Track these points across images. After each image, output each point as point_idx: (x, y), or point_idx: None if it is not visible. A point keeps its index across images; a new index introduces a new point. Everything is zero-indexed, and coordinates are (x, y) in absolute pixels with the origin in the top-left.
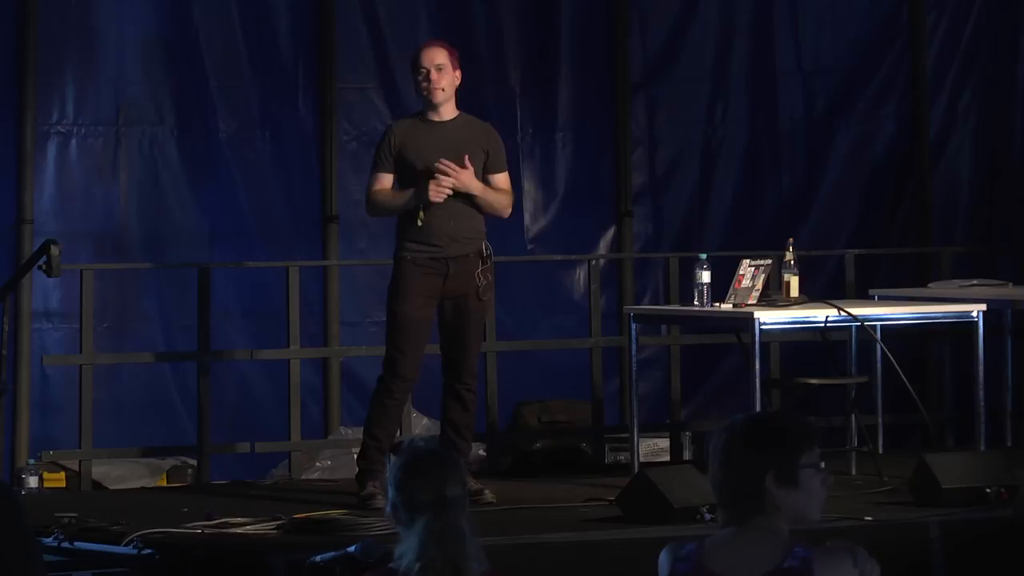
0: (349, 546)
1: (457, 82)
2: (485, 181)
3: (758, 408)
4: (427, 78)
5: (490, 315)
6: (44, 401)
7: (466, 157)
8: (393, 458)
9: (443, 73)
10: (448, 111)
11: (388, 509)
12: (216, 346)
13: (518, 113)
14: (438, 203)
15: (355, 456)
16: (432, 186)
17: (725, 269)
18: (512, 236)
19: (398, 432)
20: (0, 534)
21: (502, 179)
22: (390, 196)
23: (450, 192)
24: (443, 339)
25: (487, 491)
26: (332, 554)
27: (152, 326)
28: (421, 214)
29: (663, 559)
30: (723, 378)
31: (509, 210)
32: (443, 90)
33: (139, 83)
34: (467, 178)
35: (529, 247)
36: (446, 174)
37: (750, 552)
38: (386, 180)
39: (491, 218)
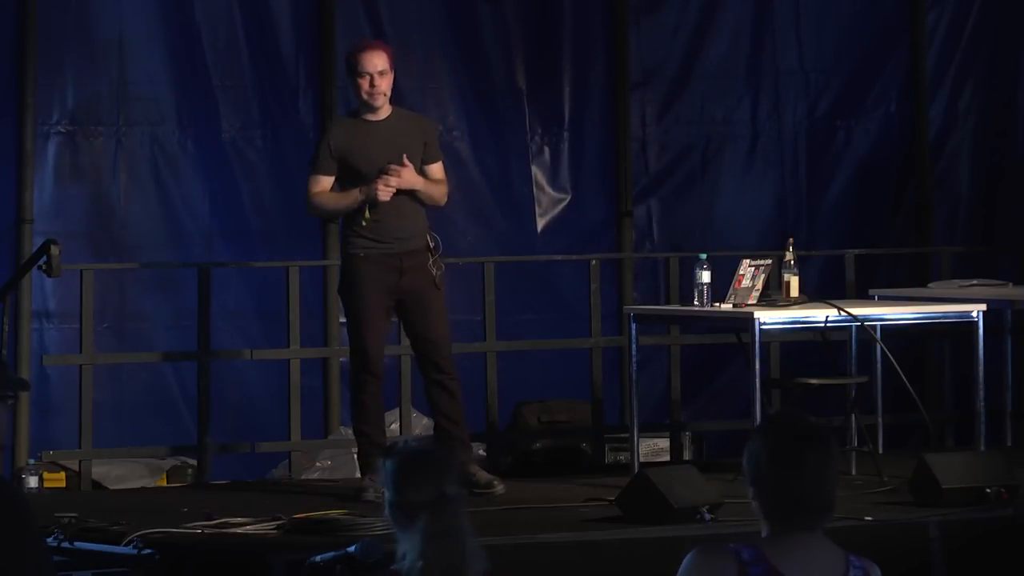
0: (349, 546)
1: (392, 82)
2: (422, 172)
3: (758, 408)
4: (371, 84)
5: (489, 314)
6: (44, 401)
7: (405, 156)
8: (387, 462)
9: (385, 77)
10: (384, 110)
11: (387, 511)
12: (216, 346)
13: (526, 113)
14: (384, 201)
15: (356, 456)
16: (380, 186)
17: (725, 269)
18: (522, 235)
19: (384, 420)
20: (8, 537)
21: (438, 168)
22: (333, 197)
23: (394, 191)
24: (413, 337)
25: (496, 482)
26: (332, 554)
27: (152, 326)
28: (367, 213)
29: (713, 562)
30: (723, 378)
31: (446, 198)
32: (385, 95)
33: (139, 83)
34: (410, 176)
35: (539, 246)
36: (396, 175)
37: (820, 557)
38: (326, 182)
39: (500, 214)
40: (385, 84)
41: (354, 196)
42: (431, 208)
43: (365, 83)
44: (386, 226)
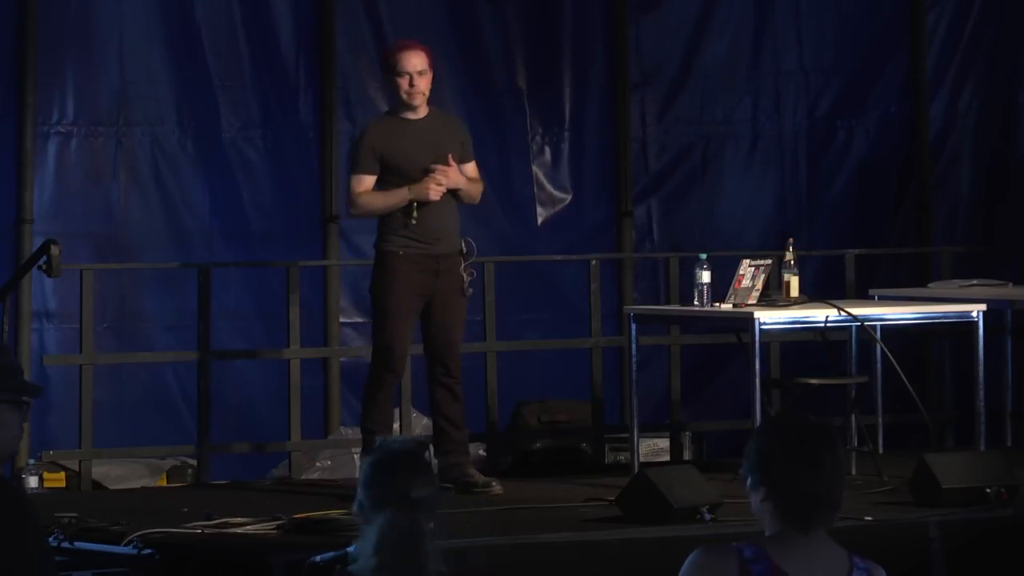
0: (349, 546)
1: (431, 81)
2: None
3: (758, 408)
4: (411, 83)
5: (489, 314)
6: (44, 401)
7: (450, 156)
8: (365, 457)
9: (424, 77)
10: (422, 110)
11: (355, 507)
12: (216, 346)
13: (527, 113)
14: (433, 200)
15: (357, 456)
16: (432, 186)
17: (725, 269)
18: (522, 235)
19: (392, 421)
20: (10, 535)
21: (473, 168)
22: (380, 196)
23: (444, 191)
24: (430, 337)
25: (494, 483)
26: (332, 554)
27: (152, 326)
28: (414, 212)
29: (715, 561)
30: (723, 378)
31: (480, 196)
32: (424, 94)
33: (139, 83)
34: (455, 176)
35: (539, 246)
36: (444, 174)
37: (824, 557)
38: (369, 181)
39: (496, 214)
40: (424, 84)
41: (402, 195)
42: (466, 205)
43: (404, 83)
44: (426, 226)
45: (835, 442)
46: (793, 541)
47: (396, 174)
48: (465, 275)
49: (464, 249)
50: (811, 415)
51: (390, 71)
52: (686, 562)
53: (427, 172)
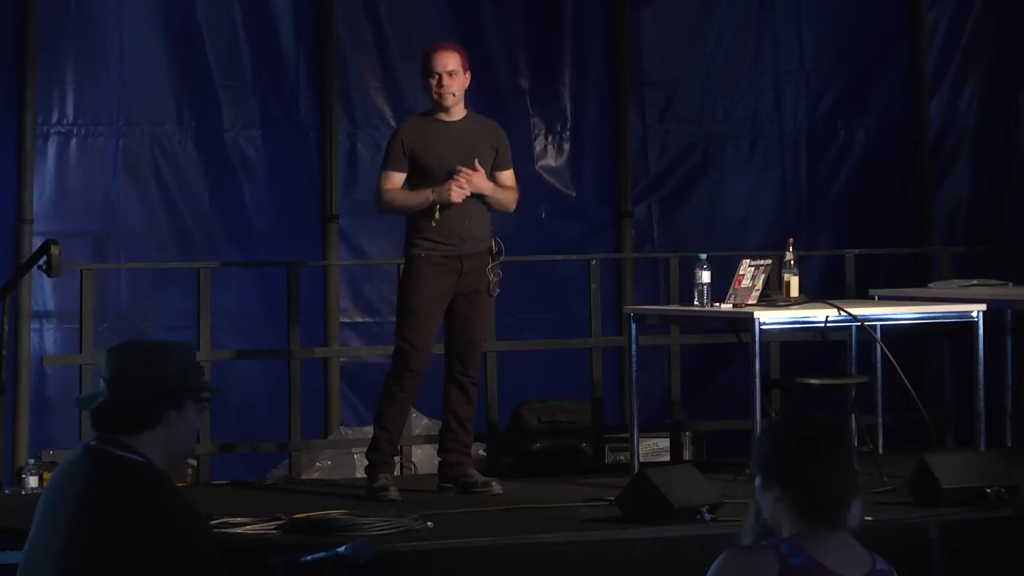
0: (339, 546)
1: (467, 84)
2: (493, 178)
3: (758, 408)
4: (440, 83)
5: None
6: (43, 401)
7: (476, 160)
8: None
9: (455, 78)
10: (458, 111)
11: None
12: (216, 346)
13: (529, 112)
14: (455, 203)
15: (365, 451)
16: (454, 188)
17: (725, 269)
18: (523, 235)
19: (405, 421)
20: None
21: (509, 176)
22: (405, 195)
23: (468, 194)
24: (451, 333)
25: (494, 482)
26: (323, 554)
27: (152, 326)
28: (437, 213)
29: (752, 558)
30: (723, 378)
31: (514, 206)
32: (455, 95)
33: (140, 83)
34: (480, 180)
35: (539, 246)
36: (467, 178)
37: (852, 551)
38: (398, 179)
39: (498, 215)
40: (455, 85)
41: (425, 195)
42: (497, 214)
43: (434, 82)
44: (450, 227)
45: (846, 436)
46: (818, 536)
47: (424, 174)
48: (491, 275)
49: (494, 249)
50: (815, 413)
51: (424, 71)
52: (716, 564)
53: (453, 174)
